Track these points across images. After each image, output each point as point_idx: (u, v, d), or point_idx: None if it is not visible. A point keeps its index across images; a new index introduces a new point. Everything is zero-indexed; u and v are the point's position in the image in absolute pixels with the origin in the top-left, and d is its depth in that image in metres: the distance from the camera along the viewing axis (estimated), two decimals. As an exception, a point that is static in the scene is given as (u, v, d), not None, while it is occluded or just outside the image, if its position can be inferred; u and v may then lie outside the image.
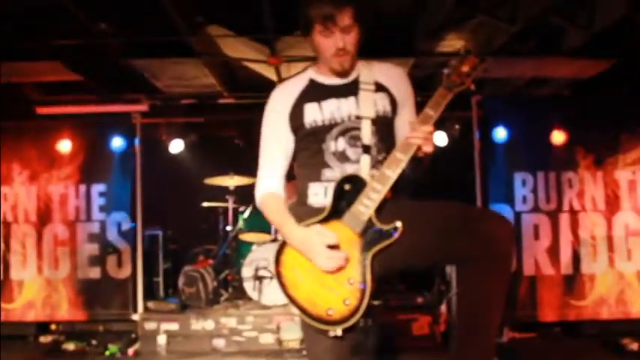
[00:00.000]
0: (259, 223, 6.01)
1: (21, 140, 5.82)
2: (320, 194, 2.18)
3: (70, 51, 4.77)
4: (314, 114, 2.19)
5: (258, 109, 6.30)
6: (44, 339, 5.76)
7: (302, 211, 2.18)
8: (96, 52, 4.87)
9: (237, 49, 5.00)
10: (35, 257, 5.79)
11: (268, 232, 5.95)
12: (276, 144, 2.25)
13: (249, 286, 5.57)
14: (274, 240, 5.79)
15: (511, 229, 2.02)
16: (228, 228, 6.31)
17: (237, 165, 6.30)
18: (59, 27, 4.36)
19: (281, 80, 5.55)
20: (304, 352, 4.91)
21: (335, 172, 2.16)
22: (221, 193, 6.43)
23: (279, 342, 5.19)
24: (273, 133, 2.26)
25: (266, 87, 5.74)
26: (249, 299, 5.62)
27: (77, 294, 5.75)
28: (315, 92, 2.23)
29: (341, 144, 2.17)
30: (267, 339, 5.22)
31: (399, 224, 2.03)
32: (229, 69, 5.69)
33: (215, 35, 4.67)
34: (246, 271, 5.57)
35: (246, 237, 6.04)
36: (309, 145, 2.21)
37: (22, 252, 5.78)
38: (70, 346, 5.40)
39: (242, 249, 6.08)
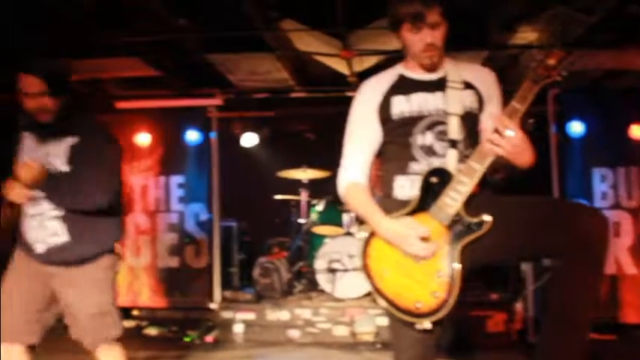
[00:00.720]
0: (332, 216, 6.06)
1: (104, 134, 6.03)
2: (406, 187, 2.19)
3: (149, 47, 4.92)
4: (402, 106, 2.21)
5: (330, 103, 6.34)
6: (127, 324, 5.97)
7: (387, 204, 2.20)
8: (173, 47, 5.01)
9: (310, 43, 5.03)
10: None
11: (341, 225, 5.99)
12: (362, 135, 2.28)
13: (322, 279, 5.63)
14: (347, 233, 5.82)
15: (606, 222, 1.96)
16: (301, 221, 6.38)
17: (309, 158, 6.36)
18: (138, 24, 4.48)
19: (353, 74, 5.56)
20: (378, 346, 4.97)
21: (422, 165, 2.17)
22: (294, 186, 6.51)
23: (353, 334, 5.22)
24: (360, 124, 2.28)
25: (337, 81, 5.81)
26: (322, 291, 5.67)
27: (158, 282, 5.97)
28: (403, 86, 2.25)
29: (428, 138, 2.18)
30: (340, 331, 5.26)
31: (487, 218, 2.02)
32: (301, 63, 5.72)
33: (288, 30, 4.69)
34: (319, 264, 5.63)
35: (319, 230, 6.10)
36: (397, 139, 2.23)
37: (107, 241, 6.00)
38: (152, 332, 5.62)
39: (315, 242, 6.15)
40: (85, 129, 2.77)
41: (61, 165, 2.71)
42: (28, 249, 2.78)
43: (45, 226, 2.74)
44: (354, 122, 2.30)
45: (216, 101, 5.97)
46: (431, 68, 2.23)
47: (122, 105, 6.01)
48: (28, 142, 2.82)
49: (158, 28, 4.51)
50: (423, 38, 2.13)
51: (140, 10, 4.20)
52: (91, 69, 5.28)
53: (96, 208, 2.70)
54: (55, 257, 2.74)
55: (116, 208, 2.88)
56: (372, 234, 2.18)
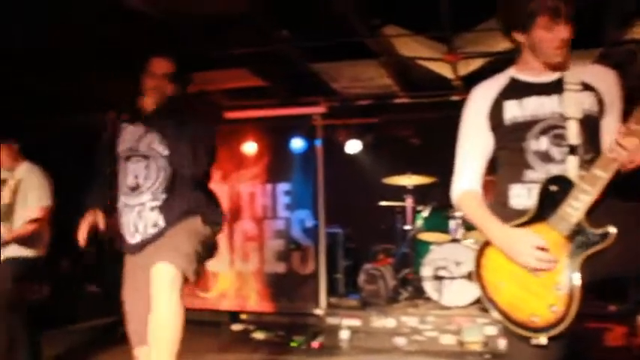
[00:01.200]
0: (438, 222, 5.95)
1: (214, 143, 6.26)
2: (523, 196, 2.09)
3: (255, 58, 5.04)
4: (514, 110, 2.12)
5: (434, 108, 6.23)
6: (235, 327, 6.18)
7: (502, 213, 2.11)
8: (278, 58, 5.10)
9: (413, 48, 4.96)
10: (228, 251, 6.25)
11: (447, 231, 5.87)
12: (474, 141, 2.21)
13: (428, 286, 5.54)
14: (453, 240, 5.70)
15: None
16: (407, 227, 6.31)
17: (413, 164, 6.29)
18: (244, 36, 4.58)
19: (458, 78, 5.44)
20: (486, 356, 4.82)
21: (538, 172, 2.07)
22: (399, 192, 6.45)
23: (461, 344, 5.09)
24: (471, 130, 2.22)
25: (441, 85, 5.70)
26: (429, 299, 5.58)
27: (265, 287, 6.12)
28: (516, 90, 2.16)
29: (543, 143, 2.07)
30: (448, 340, 5.15)
31: (612, 229, 1.89)
32: (405, 68, 5.66)
33: (391, 35, 4.66)
34: (426, 271, 5.54)
35: (425, 237, 6.02)
36: (509, 144, 2.14)
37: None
38: (259, 336, 5.75)
39: (420, 248, 6.07)
40: (183, 115, 2.87)
41: (163, 150, 2.83)
42: (124, 240, 2.87)
43: (144, 217, 2.81)
44: (465, 130, 2.24)
45: (321, 109, 6.03)
46: (559, 67, 2.11)
47: (229, 115, 6.21)
48: (129, 133, 2.94)
49: (263, 40, 4.62)
50: (558, 34, 2.02)
51: (245, 23, 4.31)
52: (199, 81, 5.49)
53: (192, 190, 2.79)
54: (148, 245, 2.82)
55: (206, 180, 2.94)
56: (486, 243, 2.11)
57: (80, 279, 6.90)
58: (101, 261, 5.74)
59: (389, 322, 5.31)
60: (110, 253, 3.19)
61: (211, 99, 6.16)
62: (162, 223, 2.79)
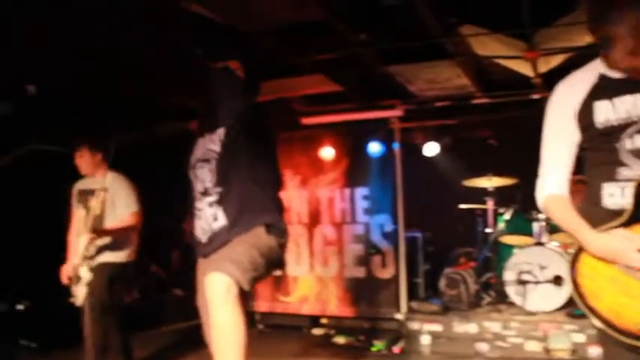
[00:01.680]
0: (521, 225, 5.79)
1: (292, 149, 6.40)
2: (616, 195, 1.99)
3: (332, 63, 5.05)
4: (606, 113, 2.00)
5: (513, 107, 6.06)
6: (316, 331, 6.23)
7: (595, 214, 2.01)
8: (354, 62, 5.09)
9: (490, 46, 4.85)
10: (308, 256, 6.33)
11: (530, 234, 5.69)
12: (560, 142, 2.10)
13: (511, 291, 5.39)
14: (537, 243, 5.52)
15: None
16: (488, 230, 6.17)
17: (493, 166, 6.14)
18: (320, 41, 4.60)
19: (538, 75, 5.27)
20: (576, 364, 4.62)
21: (634, 170, 1.96)
22: (478, 194, 6.32)
23: (547, 351, 4.91)
24: (556, 130, 2.11)
25: (521, 84, 5.55)
26: (512, 304, 5.43)
27: (345, 291, 6.14)
28: (607, 89, 2.03)
29: (638, 141, 1.96)
30: (533, 347, 4.98)
31: None
32: (482, 68, 5.55)
33: (469, 35, 4.58)
34: (509, 275, 5.40)
35: (508, 240, 5.87)
36: (601, 145, 2.03)
37: (297, 250, 6.35)
38: (340, 340, 5.78)
39: (503, 252, 5.92)
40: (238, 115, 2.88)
41: (218, 148, 2.85)
42: (197, 244, 2.89)
43: (205, 215, 2.83)
44: (550, 131, 2.12)
45: (398, 112, 6.00)
46: None
47: (307, 121, 6.28)
48: (199, 143, 2.99)
49: (339, 45, 4.64)
50: None
51: (323, 29, 4.35)
52: (276, 89, 5.60)
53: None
54: (215, 244, 2.79)
55: (268, 186, 2.89)
56: (581, 249, 2.01)
57: (167, 283, 7.20)
58: (186, 266, 5.96)
59: (471, 328, 5.21)
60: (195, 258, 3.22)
61: (288, 106, 6.27)
62: (221, 216, 2.78)
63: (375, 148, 6.11)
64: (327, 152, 6.35)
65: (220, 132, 2.86)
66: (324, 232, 6.30)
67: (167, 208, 5.97)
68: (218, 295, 2.52)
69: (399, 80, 5.54)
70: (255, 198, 2.78)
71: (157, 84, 5.39)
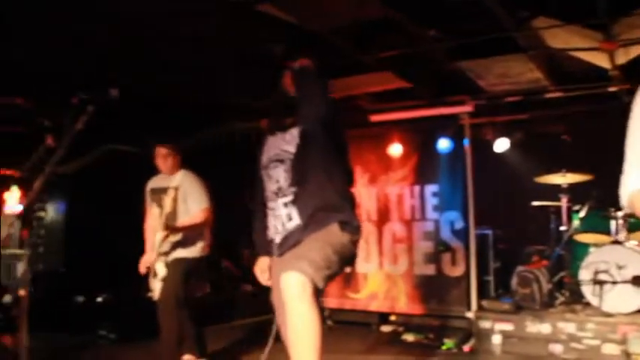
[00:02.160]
0: (596, 222, 5.58)
1: (361, 146, 6.40)
2: None
3: (400, 60, 5.05)
4: None
5: (589, 101, 5.87)
6: (385, 328, 6.23)
7: None
8: (423, 58, 5.07)
9: (564, 38, 4.71)
10: (377, 253, 6.35)
11: (607, 232, 5.48)
12: None
13: (587, 291, 5.21)
14: (615, 242, 5.31)
15: None
16: (562, 228, 5.99)
17: (567, 162, 5.94)
18: (387, 38, 4.63)
19: (615, 68, 5.08)
20: (658, 367, 4.42)
21: None
22: (551, 191, 6.13)
23: (626, 354, 4.72)
24: None
25: (597, 77, 5.36)
26: (588, 304, 5.25)
27: (414, 289, 6.12)
28: None
29: None
30: (610, 349, 4.80)
31: None
32: (555, 61, 5.39)
33: (541, 27, 4.46)
34: (584, 274, 5.22)
35: (583, 238, 5.67)
36: None
37: (366, 248, 6.37)
38: (409, 337, 5.75)
39: (578, 250, 5.73)
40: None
41: (292, 149, 2.85)
42: (271, 243, 2.89)
43: (279, 215, 2.83)
44: (636, 122, 2.05)
45: (467, 108, 5.94)
46: None
47: (376, 118, 6.29)
48: (270, 143, 3.01)
49: (407, 41, 4.62)
50: None
51: (390, 26, 4.35)
52: (344, 86, 5.65)
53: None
54: (290, 243, 2.79)
55: (341, 183, 2.89)
56: None
57: (238, 279, 7.35)
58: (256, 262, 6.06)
59: (544, 328, 5.08)
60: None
61: (357, 103, 6.29)
62: (296, 216, 2.80)
63: (444, 144, 6.07)
64: (396, 149, 6.34)
65: (294, 132, 2.87)
66: (394, 230, 6.30)
67: (237, 206, 6.01)
68: (294, 294, 2.54)
69: (469, 75, 5.48)
70: (329, 196, 2.79)
71: (229, 85, 5.59)
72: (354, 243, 2.83)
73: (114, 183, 6.12)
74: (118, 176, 5.94)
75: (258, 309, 6.30)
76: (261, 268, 3.03)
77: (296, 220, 2.79)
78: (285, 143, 2.89)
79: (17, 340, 2.48)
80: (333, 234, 2.73)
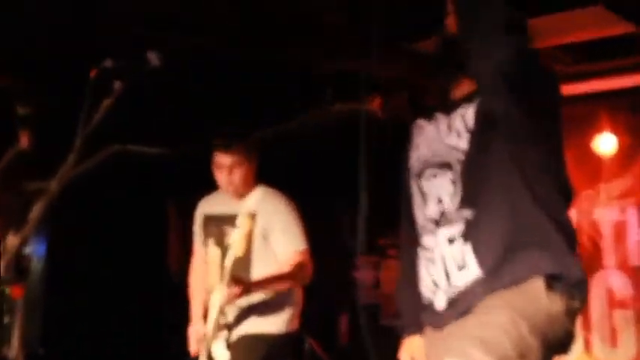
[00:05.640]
0: None
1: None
2: None
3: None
4: None
5: None
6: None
7: None
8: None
9: None
10: (580, 324, 4.63)
11: None
12: None
13: None
14: None
15: None
16: None
17: None
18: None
19: None
20: None
21: None
22: None
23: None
24: None
25: None
26: None
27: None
28: None
29: None
30: None
31: None
32: None
33: None
34: None
35: None
36: None
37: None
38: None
39: None
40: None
41: (464, 144, 1.96)
42: (422, 304, 2.05)
43: (442, 260, 1.95)
44: None
45: None
46: None
47: (576, 89, 4.56)
48: (421, 133, 2.17)
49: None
50: None
51: None
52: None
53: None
54: (460, 308, 1.90)
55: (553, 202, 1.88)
56: None
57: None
58: (359, 340, 4.39)
59: None
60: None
61: (545, 63, 4.35)
62: (471, 260, 1.85)
63: None
64: (610, 143, 4.52)
65: (469, 113, 1.96)
66: (609, 284, 4.46)
67: (331, 245, 4.74)
68: None
69: None
70: (531, 226, 1.85)
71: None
72: (572, 314, 1.85)
73: (122, 207, 4.67)
74: (129, 195, 4.63)
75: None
76: (413, 356, 2.16)
77: (473, 269, 1.86)
78: (451, 133, 2.02)
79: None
80: (535, 297, 1.83)
